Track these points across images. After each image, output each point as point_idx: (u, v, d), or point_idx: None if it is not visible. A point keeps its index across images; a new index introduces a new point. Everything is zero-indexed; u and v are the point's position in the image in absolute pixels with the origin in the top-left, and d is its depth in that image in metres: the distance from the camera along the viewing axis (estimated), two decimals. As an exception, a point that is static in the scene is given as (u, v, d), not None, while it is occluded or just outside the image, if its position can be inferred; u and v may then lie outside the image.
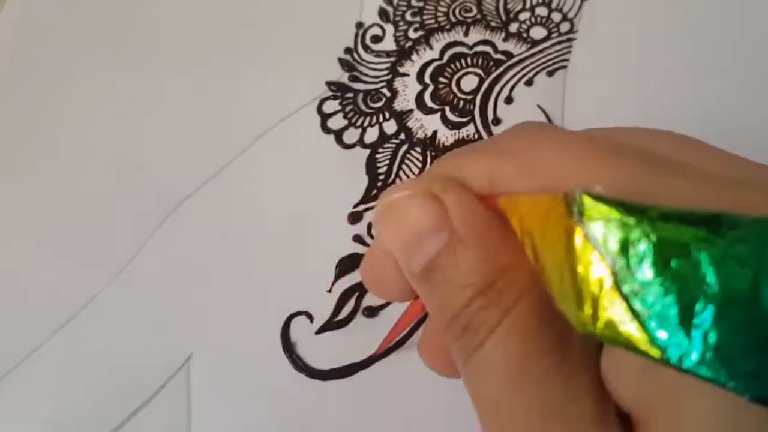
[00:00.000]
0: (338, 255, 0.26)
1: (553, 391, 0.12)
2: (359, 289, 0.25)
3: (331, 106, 0.30)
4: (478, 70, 0.30)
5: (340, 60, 0.31)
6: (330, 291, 0.25)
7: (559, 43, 0.30)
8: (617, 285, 0.10)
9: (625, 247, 0.10)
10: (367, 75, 0.30)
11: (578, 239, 0.11)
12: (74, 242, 0.28)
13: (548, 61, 0.29)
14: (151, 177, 0.29)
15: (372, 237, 0.26)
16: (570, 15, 0.31)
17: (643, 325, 0.10)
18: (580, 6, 0.31)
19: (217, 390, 0.24)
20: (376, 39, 0.31)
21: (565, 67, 0.29)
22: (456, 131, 0.28)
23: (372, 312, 0.24)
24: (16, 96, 0.33)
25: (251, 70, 0.31)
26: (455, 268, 0.13)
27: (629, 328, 0.10)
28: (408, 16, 0.32)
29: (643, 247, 0.10)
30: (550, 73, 0.29)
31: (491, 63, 0.30)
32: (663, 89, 0.27)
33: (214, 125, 0.30)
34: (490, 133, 0.28)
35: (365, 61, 0.31)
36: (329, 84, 0.30)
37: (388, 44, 0.31)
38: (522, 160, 0.14)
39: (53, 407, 0.24)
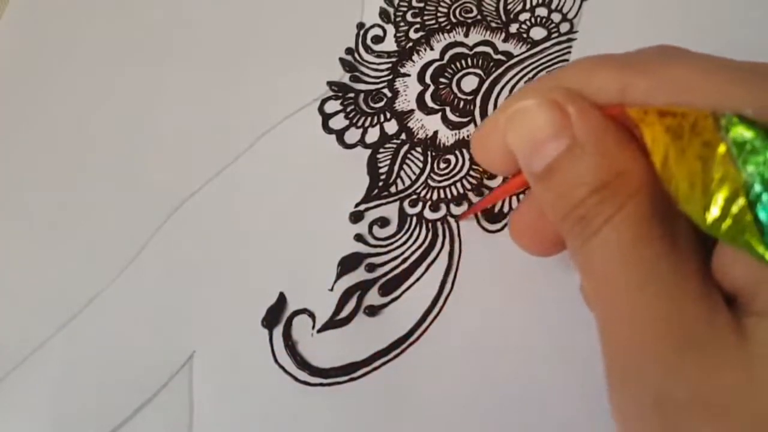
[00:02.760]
0: (340, 254, 0.26)
1: (662, 270, 0.14)
2: (361, 288, 0.25)
3: (332, 106, 0.30)
4: (479, 71, 0.30)
5: (342, 60, 0.31)
6: (332, 290, 0.25)
7: (558, 43, 0.30)
8: (747, 197, 0.12)
9: (764, 167, 0.12)
10: (368, 75, 0.31)
11: (720, 152, 0.13)
12: (76, 241, 0.28)
13: (548, 61, 0.29)
14: (152, 177, 0.29)
15: (373, 237, 0.26)
16: (570, 15, 0.31)
17: (764, 234, 0.12)
18: (580, 6, 0.31)
19: (219, 388, 0.24)
20: (377, 39, 0.32)
21: (564, 67, 0.29)
22: (456, 131, 0.28)
23: (373, 311, 0.24)
24: (18, 95, 0.33)
25: (252, 70, 0.32)
26: (574, 170, 0.15)
27: (750, 234, 0.12)
28: (409, 17, 0.32)
29: None
30: (550, 74, 0.29)
31: (491, 63, 0.30)
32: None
33: (215, 125, 0.30)
34: (490, 133, 0.28)
35: (366, 61, 0.31)
36: (330, 84, 0.30)
37: (389, 45, 0.31)
38: (657, 76, 0.15)
39: (56, 406, 0.24)
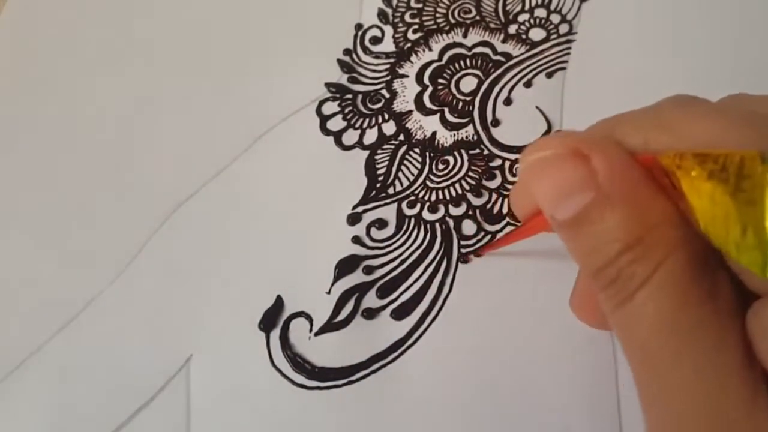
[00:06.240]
0: (337, 256, 0.26)
1: (703, 340, 0.13)
2: (358, 291, 0.25)
3: (330, 107, 0.30)
4: (477, 72, 0.30)
5: (339, 61, 0.31)
6: (329, 292, 0.25)
7: (557, 44, 0.30)
8: None
9: None
10: (366, 76, 0.30)
11: None
12: (75, 243, 0.28)
13: (547, 62, 0.29)
14: (151, 178, 0.29)
15: (371, 238, 0.26)
16: (569, 17, 0.31)
17: None
18: (579, 8, 0.31)
19: (217, 392, 0.24)
20: (375, 40, 0.32)
21: (563, 68, 0.29)
22: (455, 132, 0.28)
23: (371, 313, 0.24)
24: (16, 96, 0.33)
25: (251, 71, 0.31)
26: (603, 223, 0.14)
27: None
28: (407, 18, 0.32)
29: None
30: (549, 75, 0.29)
31: (490, 64, 0.30)
32: (661, 91, 0.27)
33: (214, 126, 0.30)
34: (489, 134, 0.28)
35: (364, 62, 0.31)
36: (328, 85, 0.30)
37: (387, 45, 0.31)
38: (677, 132, 0.14)
39: (54, 409, 0.24)
